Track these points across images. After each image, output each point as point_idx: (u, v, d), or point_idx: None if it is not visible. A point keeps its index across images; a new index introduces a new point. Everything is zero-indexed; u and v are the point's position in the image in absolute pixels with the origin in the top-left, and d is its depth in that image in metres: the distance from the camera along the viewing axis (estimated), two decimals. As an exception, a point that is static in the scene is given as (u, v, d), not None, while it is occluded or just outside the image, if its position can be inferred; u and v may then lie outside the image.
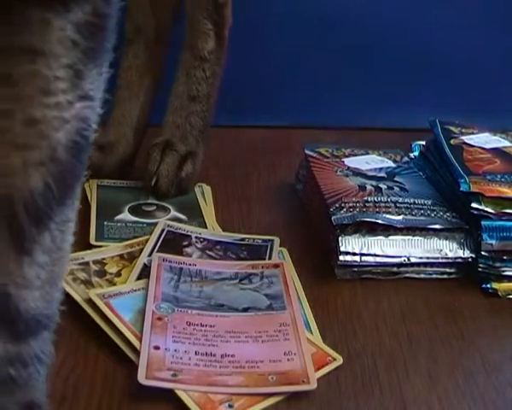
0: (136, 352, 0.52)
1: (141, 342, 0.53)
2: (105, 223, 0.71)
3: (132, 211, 0.75)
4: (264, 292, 0.61)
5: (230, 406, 0.48)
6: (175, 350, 0.52)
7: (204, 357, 0.52)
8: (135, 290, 0.59)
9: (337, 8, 1.04)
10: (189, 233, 0.70)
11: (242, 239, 0.70)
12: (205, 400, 0.49)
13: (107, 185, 0.79)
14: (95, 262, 0.64)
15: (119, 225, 0.72)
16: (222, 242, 0.70)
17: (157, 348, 0.52)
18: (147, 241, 0.68)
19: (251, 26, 1.05)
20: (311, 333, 0.57)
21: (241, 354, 0.53)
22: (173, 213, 0.75)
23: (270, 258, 0.67)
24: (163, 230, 0.70)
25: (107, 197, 0.76)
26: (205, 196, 0.79)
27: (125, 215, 0.74)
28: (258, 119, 1.07)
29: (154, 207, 0.76)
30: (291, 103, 1.09)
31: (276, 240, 0.70)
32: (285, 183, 0.87)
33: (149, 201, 0.77)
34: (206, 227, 0.72)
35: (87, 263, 0.64)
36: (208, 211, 0.76)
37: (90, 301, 0.57)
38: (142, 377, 0.49)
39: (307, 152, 0.83)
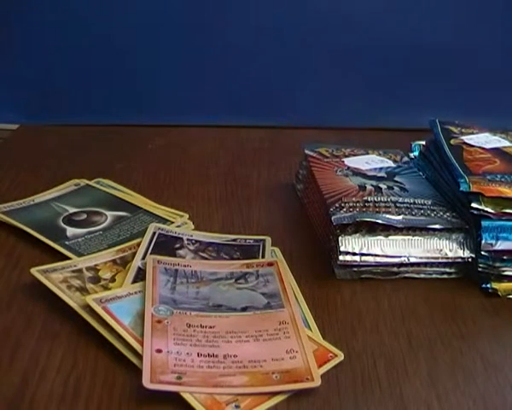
0: (138, 356, 0.52)
1: (142, 345, 0.53)
2: (66, 242, 0.70)
3: (71, 224, 0.74)
4: (260, 291, 0.61)
5: (237, 406, 0.48)
6: (177, 352, 0.52)
7: (207, 358, 0.52)
8: (131, 294, 0.59)
9: (337, 9, 1.04)
10: (180, 235, 0.70)
11: (234, 240, 0.71)
12: (211, 401, 0.49)
13: (11, 209, 0.76)
14: (88, 269, 0.64)
15: (81, 239, 0.71)
16: (214, 243, 0.70)
17: (159, 351, 0.52)
18: (138, 244, 0.68)
19: (250, 27, 1.06)
20: (311, 330, 0.57)
21: (243, 354, 0.53)
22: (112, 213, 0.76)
23: (263, 257, 0.67)
24: (154, 233, 0.70)
25: (30, 218, 0.74)
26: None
27: (74, 230, 0.72)
28: (258, 119, 1.08)
29: (85, 216, 0.76)
30: (291, 103, 1.09)
31: (268, 239, 0.70)
32: (285, 183, 0.88)
33: (72, 210, 0.77)
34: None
35: (80, 270, 0.63)
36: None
37: (87, 307, 0.57)
38: (146, 381, 0.49)
39: (307, 152, 0.83)
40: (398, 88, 1.07)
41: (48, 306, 0.60)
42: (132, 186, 0.83)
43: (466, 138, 0.77)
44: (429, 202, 0.69)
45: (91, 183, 0.84)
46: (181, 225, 0.74)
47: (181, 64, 1.07)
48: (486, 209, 0.65)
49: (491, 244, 0.64)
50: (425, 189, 0.73)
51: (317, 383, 0.51)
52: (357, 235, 0.65)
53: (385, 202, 0.68)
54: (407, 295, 0.64)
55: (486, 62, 1.06)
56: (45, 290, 0.60)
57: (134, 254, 0.66)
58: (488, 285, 0.65)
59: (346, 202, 0.68)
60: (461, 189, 0.66)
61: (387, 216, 0.66)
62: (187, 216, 0.76)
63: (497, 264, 0.65)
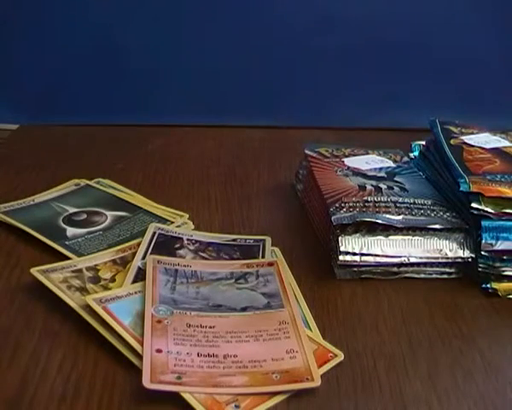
0: (138, 356, 0.52)
1: (142, 345, 0.53)
2: (66, 242, 0.70)
3: (71, 224, 0.74)
4: (260, 291, 0.61)
5: (237, 406, 0.48)
6: (177, 353, 0.52)
7: (207, 358, 0.52)
8: (131, 294, 0.59)
9: (337, 8, 1.04)
10: (180, 235, 0.70)
11: (234, 240, 0.71)
12: (211, 401, 0.49)
13: (11, 209, 0.76)
14: (88, 269, 0.64)
15: (81, 239, 0.71)
16: (214, 243, 0.70)
17: (159, 351, 0.52)
18: (138, 244, 0.68)
19: (251, 27, 1.06)
20: (311, 330, 0.57)
21: (243, 354, 0.53)
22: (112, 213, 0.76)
23: (263, 257, 0.67)
24: (154, 233, 0.70)
25: (30, 218, 0.74)
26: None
27: (74, 230, 0.72)
28: (257, 119, 1.08)
29: (85, 216, 0.76)
30: (291, 103, 1.09)
31: (268, 239, 0.70)
32: (285, 183, 0.88)
33: (72, 210, 0.77)
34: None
35: (80, 270, 0.63)
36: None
37: (87, 307, 0.57)
38: (146, 381, 0.49)
39: (307, 152, 0.83)
40: (398, 88, 1.07)
41: (48, 306, 0.60)
42: (132, 186, 0.83)
43: (466, 138, 0.77)
44: (429, 202, 0.69)
45: (91, 183, 0.84)
46: (181, 225, 0.74)
47: (181, 64, 1.07)
48: (486, 209, 0.65)
49: (491, 244, 0.64)
50: (425, 189, 0.73)
51: (317, 383, 0.51)
52: (357, 235, 0.65)
53: (385, 202, 0.69)
54: (407, 295, 0.64)
55: (486, 62, 1.06)
56: (45, 290, 0.60)
57: (134, 254, 0.66)
58: (488, 285, 0.65)
59: (346, 202, 0.68)
60: (461, 189, 0.66)
61: (387, 216, 0.66)
62: (187, 216, 0.76)
63: (497, 264, 0.65)
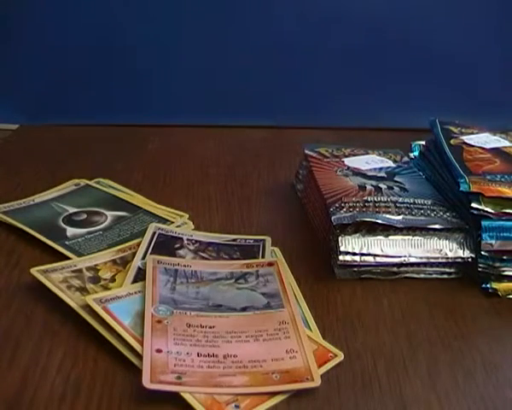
0: (138, 356, 0.52)
1: (142, 345, 0.53)
2: (66, 242, 0.70)
3: (71, 224, 0.74)
4: (260, 291, 0.61)
5: (237, 406, 0.48)
6: (177, 352, 0.52)
7: (207, 358, 0.52)
8: (131, 294, 0.59)
9: (337, 8, 1.04)
10: (180, 235, 0.70)
11: (234, 240, 0.71)
12: (211, 401, 0.49)
13: (11, 209, 0.76)
14: (88, 269, 0.64)
15: (81, 239, 0.71)
16: (214, 243, 0.70)
17: (159, 351, 0.52)
18: (138, 244, 0.68)
19: (251, 26, 1.06)
20: (310, 330, 0.57)
21: (243, 354, 0.53)
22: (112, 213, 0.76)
23: (263, 257, 0.67)
24: (154, 233, 0.70)
25: (30, 218, 0.74)
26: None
27: (74, 230, 0.72)
28: (257, 119, 1.08)
29: (85, 216, 0.76)
30: (291, 103, 1.09)
31: (268, 239, 0.70)
32: (285, 183, 0.88)
33: (72, 210, 0.77)
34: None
35: (80, 270, 0.63)
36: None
37: (87, 307, 0.57)
38: (146, 381, 0.49)
39: (307, 152, 0.83)
40: (398, 88, 1.07)
41: (48, 306, 0.60)
42: (132, 186, 0.83)
43: (466, 138, 0.77)
44: (429, 202, 0.69)
45: (91, 183, 0.84)
46: (181, 225, 0.74)
47: (181, 64, 1.07)
48: (486, 209, 0.65)
49: (491, 244, 0.64)
50: (425, 189, 0.73)
51: (317, 383, 0.51)
52: (357, 235, 0.65)
53: (385, 202, 0.69)
54: (407, 295, 0.64)
55: (486, 62, 1.07)
56: (45, 290, 0.60)
57: (134, 254, 0.66)
58: (488, 285, 0.65)
59: (346, 202, 0.68)
60: (461, 189, 0.66)
61: (387, 216, 0.66)
62: (187, 216, 0.76)
63: (497, 264, 0.65)
